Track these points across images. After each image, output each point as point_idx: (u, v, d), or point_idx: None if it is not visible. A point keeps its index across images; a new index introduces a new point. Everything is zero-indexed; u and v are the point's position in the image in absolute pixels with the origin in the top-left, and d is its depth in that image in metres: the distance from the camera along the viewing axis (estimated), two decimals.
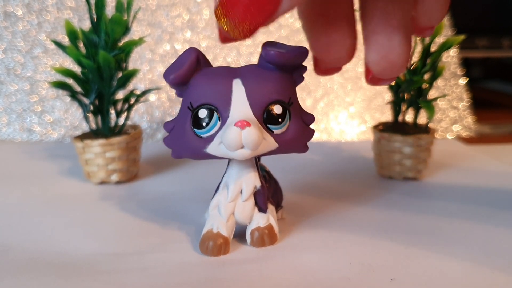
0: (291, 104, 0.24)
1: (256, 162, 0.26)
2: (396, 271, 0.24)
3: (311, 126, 0.26)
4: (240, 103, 0.23)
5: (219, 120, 0.23)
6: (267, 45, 0.23)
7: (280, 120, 0.23)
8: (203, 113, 0.23)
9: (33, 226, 0.30)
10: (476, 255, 0.26)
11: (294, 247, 0.26)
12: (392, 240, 0.27)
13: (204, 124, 0.23)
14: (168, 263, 0.25)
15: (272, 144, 0.23)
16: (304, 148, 0.25)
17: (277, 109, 0.23)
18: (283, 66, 0.23)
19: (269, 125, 0.23)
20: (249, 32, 0.21)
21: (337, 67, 0.24)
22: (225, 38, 0.23)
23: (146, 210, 0.33)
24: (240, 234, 0.27)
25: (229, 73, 0.24)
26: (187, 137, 0.24)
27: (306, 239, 0.28)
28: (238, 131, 0.22)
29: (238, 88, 0.23)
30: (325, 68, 0.24)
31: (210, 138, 0.23)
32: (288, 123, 0.24)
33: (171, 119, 0.25)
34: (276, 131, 0.23)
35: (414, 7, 0.23)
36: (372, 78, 0.24)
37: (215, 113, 0.23)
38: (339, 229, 0.29)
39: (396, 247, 0.26)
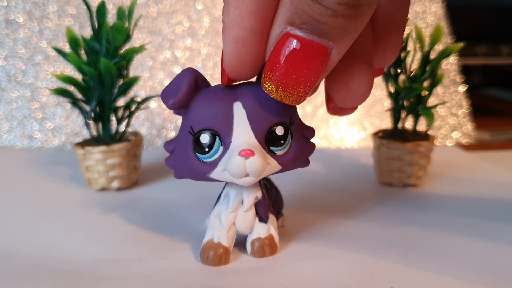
0: (292, 124, 0.23)
1: None
2: (396, 280, 0.24)
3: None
4: (242, 128, 0.22)
5: (222, 145, 0.23)
6: None
7: (282, 141, 0.23)
8: (204, 138, 0.23)
9: (34, 232, 0.30)
10: (476, 264, 0.26)
11: (294, 257, 0.26)
12: (392, 249, 0.27)
13: (206, 149, 0.23)
14: (168, 271, 0.25)
15: (275, 166, 0.23)
16: (306, 163, 0.25)
17: (279, 130, 0.23)
18: None
19: (271, 147, 0.23)
20: (306, 94, 0.20)
21: (352, 107, 0.23)
22: (228, 80, 0.22)
23: (147, 217, 0.33)
24: (240, 244, 0.27)
25: (229, 95, 0.23)
26: (190, 161, 0.23)
27: (306, 248, 0.28)
28: (242, 161, 0.22)
29: (239, 112, 0.22)
30: (339, 108, 0.23)
31: (214, 164, 0.23)
32: (290, 143, 0.23)
33: (171, 139, 0.25)
34: (278, 153, 0.23)
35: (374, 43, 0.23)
36: (334, 107, 0.23)
37: (217, 138, 0.22)
38: (339, 238, 0.29)
39: (396, 256, 0.26)
